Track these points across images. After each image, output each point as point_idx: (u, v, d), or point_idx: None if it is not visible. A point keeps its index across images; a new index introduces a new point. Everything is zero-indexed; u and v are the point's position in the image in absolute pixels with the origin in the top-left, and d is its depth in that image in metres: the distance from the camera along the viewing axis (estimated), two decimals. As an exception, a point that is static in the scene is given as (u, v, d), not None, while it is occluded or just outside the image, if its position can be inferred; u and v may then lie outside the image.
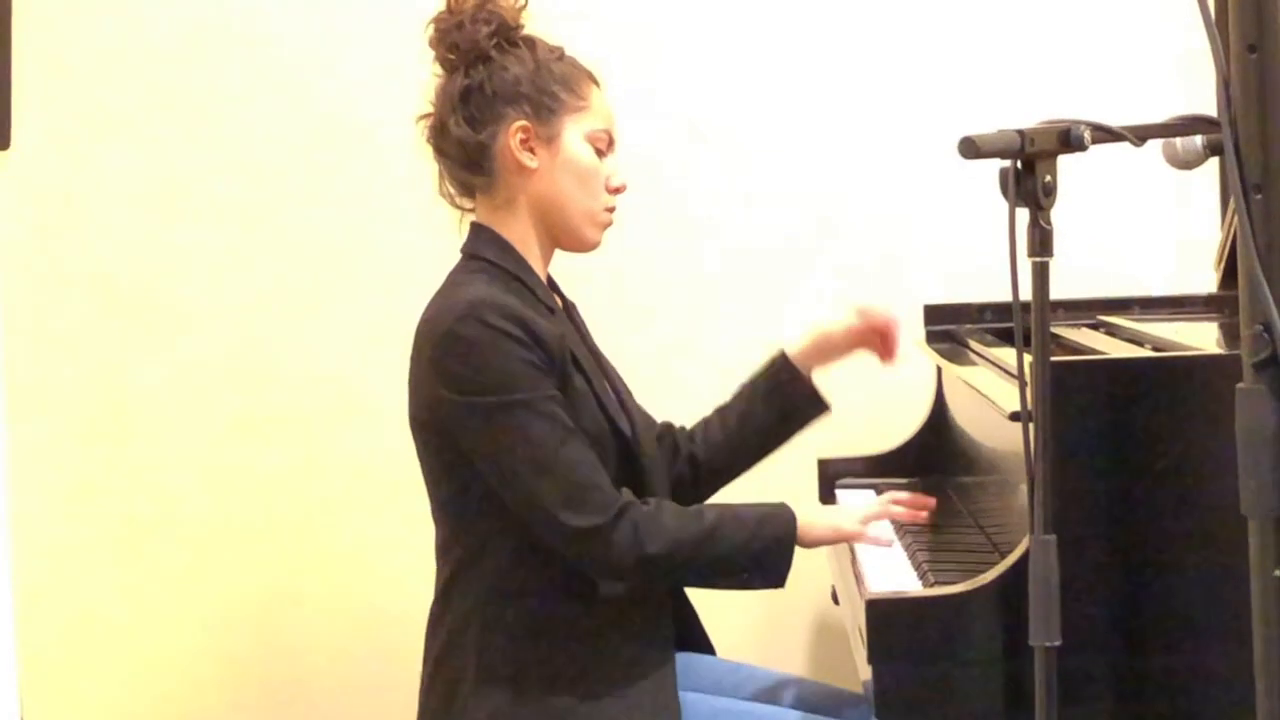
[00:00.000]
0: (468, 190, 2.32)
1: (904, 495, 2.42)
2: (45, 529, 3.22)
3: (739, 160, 3.29)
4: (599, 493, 2.16)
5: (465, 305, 2.17)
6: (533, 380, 2.16)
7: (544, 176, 2.27)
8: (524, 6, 2.32)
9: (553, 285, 2.37)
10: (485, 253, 2.28)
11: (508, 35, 2.29)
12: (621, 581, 2.22)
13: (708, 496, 2.47)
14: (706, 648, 2.44)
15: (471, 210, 2.33)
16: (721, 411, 2.52)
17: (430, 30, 2.31)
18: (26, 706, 3.02)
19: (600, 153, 2.30)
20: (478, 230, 2.31)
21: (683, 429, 2.53)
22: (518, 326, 2.15)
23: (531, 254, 2.29)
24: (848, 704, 2.39)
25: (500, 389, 2.15)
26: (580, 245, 2.32)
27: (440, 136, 2.30)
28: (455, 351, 2.16)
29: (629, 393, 2.41)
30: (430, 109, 2.32)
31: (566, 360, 2.21)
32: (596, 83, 2.33)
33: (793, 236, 3.29)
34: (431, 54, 2.31)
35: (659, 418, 2.51)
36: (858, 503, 2.47)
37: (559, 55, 2.31)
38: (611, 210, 2.32)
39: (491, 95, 2.26)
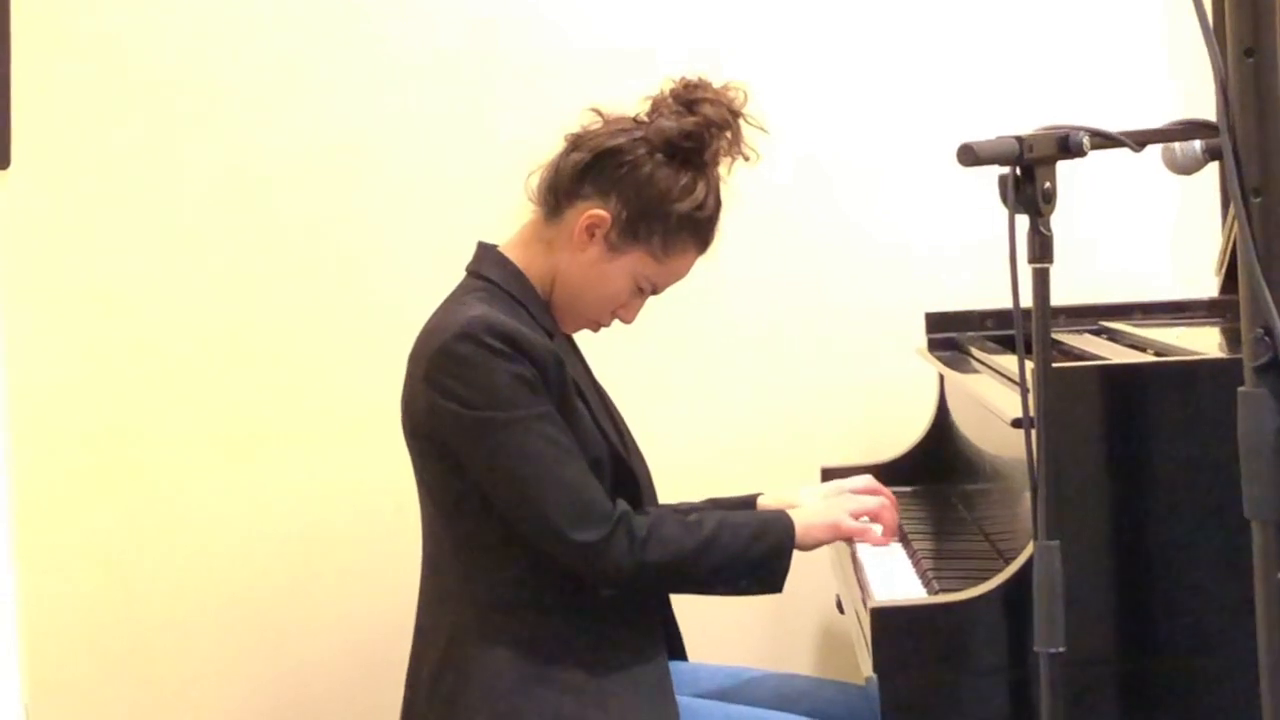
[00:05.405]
0: (542, 201, 2.32)
1: (877, 504, 2.41)
2: (47, 537, 3.22)
3: (738, 169, 3.28)
4: (598, 506, 2.17)
5: (461, 324, 2.18)
6: (526, 397, 2.16)
7: (579, 261, 2.28)
8: (733, 157, 2.31)
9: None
10: (489, 273, 2.29)
11: (694, 159, 2.27)
12: (620, 590, 2.23)
13: None
14: (681, 654, 2.45)
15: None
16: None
17: (676, 83, 2.30)
18: (31, 710, 3.03)
19: (639, 290, 2.31)
20: (484, 250, 2.33)
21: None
22: (509, 343, 2.16)
23: (544, 285, 2.30)
24: (850, 694, 2.40)
25: (494, 405, 2.16)
26: (559, 323, 2.33)
27: (569, 149, 2.29)
28: (448, 368, 2.18)
29: (626, 425, 2.41)
30: (601, 119, 2.31)
31: (566, 381, 2.21)
32: (701, 252, 2.32)
33: (792, 246, 3.28)
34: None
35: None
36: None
37: (704, 208, 2.28)
38: (600, 326, 2.34)
39: (619, 176, 2.25)
